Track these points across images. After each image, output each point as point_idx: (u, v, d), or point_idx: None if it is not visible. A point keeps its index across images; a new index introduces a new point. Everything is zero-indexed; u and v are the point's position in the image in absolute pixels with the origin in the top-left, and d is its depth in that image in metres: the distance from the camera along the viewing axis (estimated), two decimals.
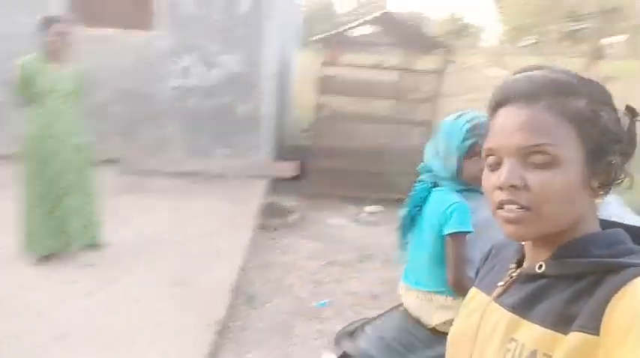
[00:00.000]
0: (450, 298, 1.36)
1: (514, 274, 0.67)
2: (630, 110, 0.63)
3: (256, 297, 3.12)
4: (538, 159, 0.59)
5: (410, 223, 1.48)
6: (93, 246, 3.24)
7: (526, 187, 0.59)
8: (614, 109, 0.62)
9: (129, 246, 3.41)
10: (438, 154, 1.41)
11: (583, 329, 0.54)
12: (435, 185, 1.42)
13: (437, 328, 1.35)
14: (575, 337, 0.54)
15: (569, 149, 0.59)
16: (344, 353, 1.42)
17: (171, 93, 4.91)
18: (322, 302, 3.11)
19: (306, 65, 9.84)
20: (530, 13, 21.38)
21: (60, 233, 3.02)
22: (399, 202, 5.77)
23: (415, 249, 1.48)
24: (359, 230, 4.36)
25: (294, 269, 3.55)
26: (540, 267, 0.63)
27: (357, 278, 3.49)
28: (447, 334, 0.75)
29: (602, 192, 0.62)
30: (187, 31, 4.78)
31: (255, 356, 2.57)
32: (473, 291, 0.74)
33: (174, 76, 4.88)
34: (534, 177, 0.59)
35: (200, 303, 2.83)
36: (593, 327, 0.54)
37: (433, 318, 1.36)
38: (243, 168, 5.03)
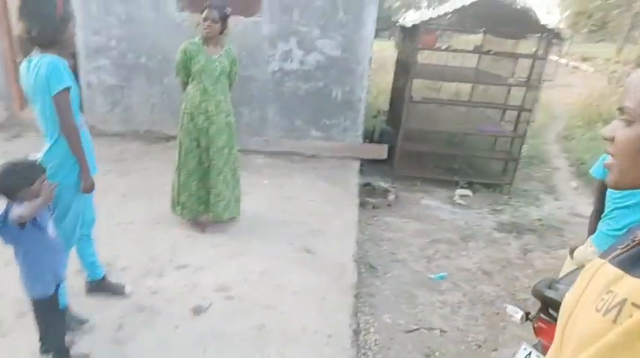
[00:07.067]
0: None
1: (637, 239, 0.68)
2: None
3: (377, 268, 3.35)
4: (624, 117, 0.67)
5: None
6: (232, 217, 3.52)
7: (613, 139, 0.68)
8: None
9: (252, 217, 3.71)
10: None
11: None
12: None
13: None
14: None
15: None
16: (543, 304, 1.60)
17: (271, 77, 5.17)
18: (440, 275, 3.29)
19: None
20: None
21: (204, 201, 3.33)
22: (487, 187, 5.72)
23: None
24: (455, 211, 4.50)
25: (403, 245, 3.75)
26: None
27: (465, 256, 3.65)
28: None
29: None
30: (289, 16, 4.99)
31: (390, 318, 2.80)
32: (594, 261, 0.77)
33: (274, 60, 5.13)
34: (619, 132, 0.68)
35: (330, 270, 3.08)
36: None
37: None
38: (337, 150, 5.25)
